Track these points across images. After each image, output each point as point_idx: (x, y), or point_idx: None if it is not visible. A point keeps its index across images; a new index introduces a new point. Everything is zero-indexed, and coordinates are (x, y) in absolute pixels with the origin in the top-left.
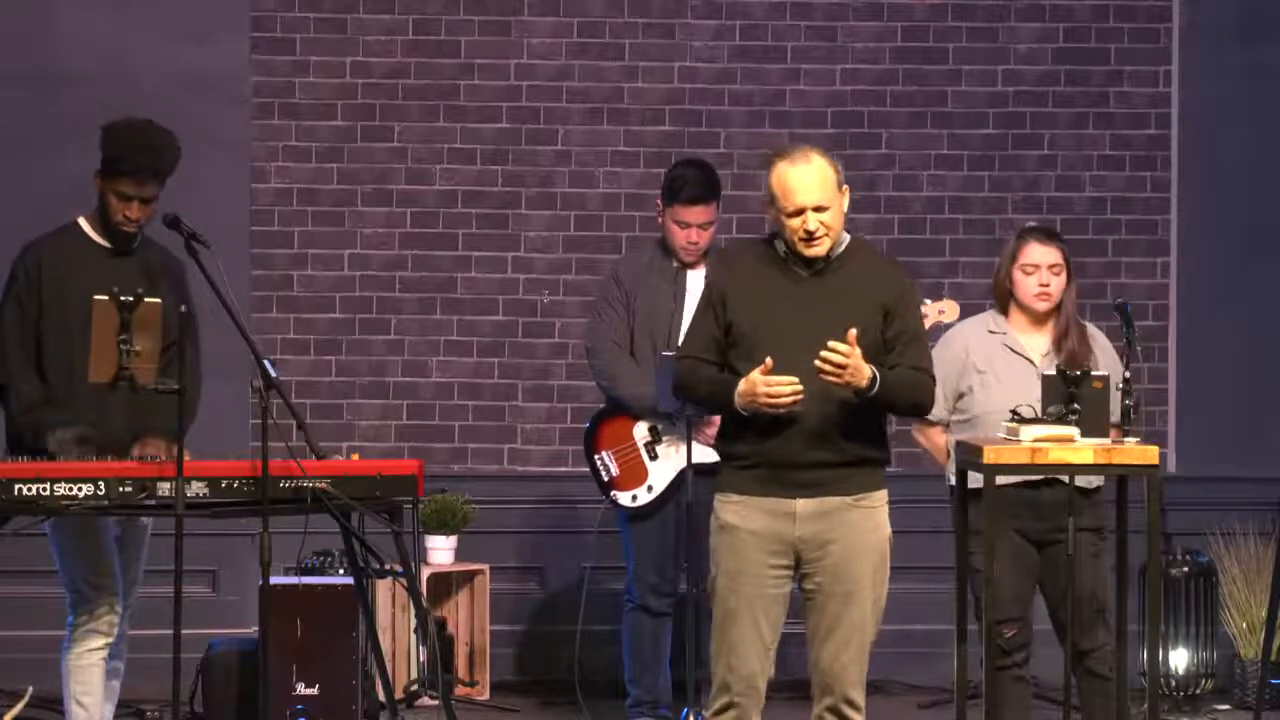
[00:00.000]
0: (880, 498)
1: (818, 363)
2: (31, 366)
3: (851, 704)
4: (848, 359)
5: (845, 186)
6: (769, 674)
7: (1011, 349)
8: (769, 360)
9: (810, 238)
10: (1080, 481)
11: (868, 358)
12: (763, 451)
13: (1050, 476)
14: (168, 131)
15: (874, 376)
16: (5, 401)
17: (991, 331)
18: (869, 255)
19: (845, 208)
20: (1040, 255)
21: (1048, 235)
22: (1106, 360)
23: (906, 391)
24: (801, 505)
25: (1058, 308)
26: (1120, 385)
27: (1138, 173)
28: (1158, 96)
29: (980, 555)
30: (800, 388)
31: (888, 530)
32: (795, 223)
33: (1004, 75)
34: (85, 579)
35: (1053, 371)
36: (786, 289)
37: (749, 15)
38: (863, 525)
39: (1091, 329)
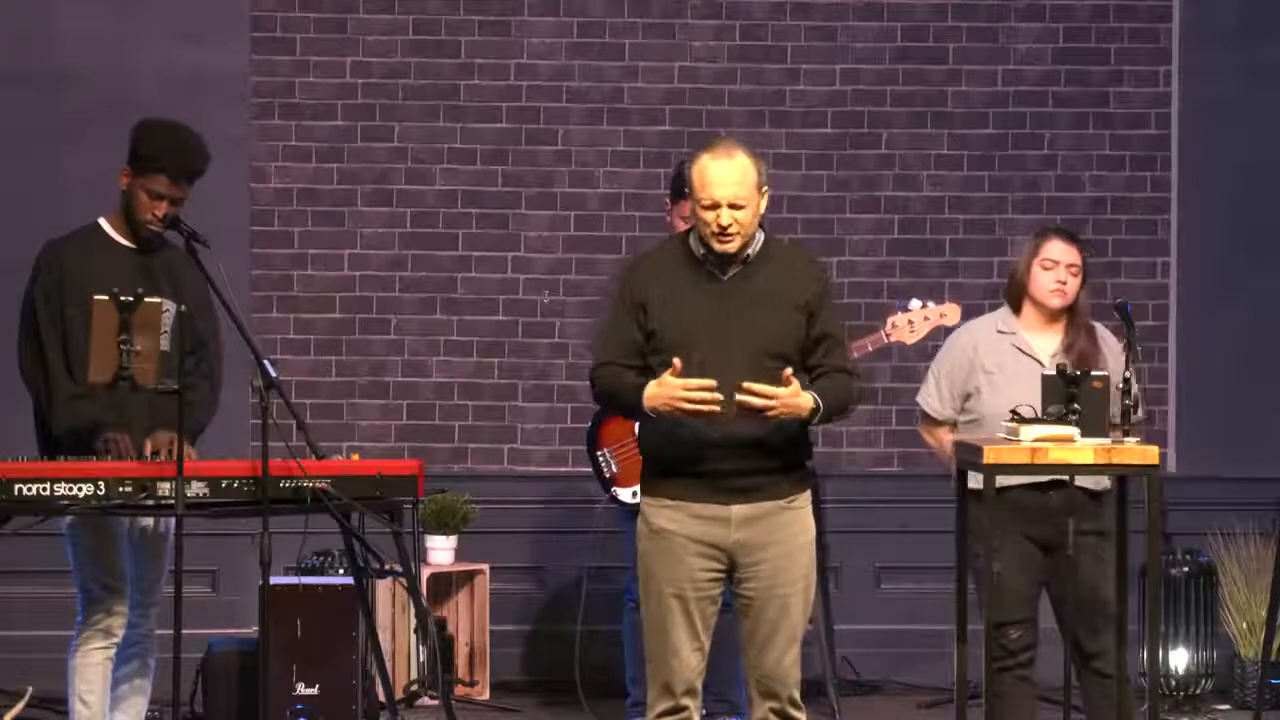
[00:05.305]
0: (806, 498)
1: (740, 397)
2: (64, 366)
3: (795, 704)
4: (775, 399)
5: (766, 189)
6: (703, 675)
7: (1021, 350)
8: (677, 362)
9: (722, 232)
10: (1089, 484)
11: (793, 358)
12: (696, 457)
13: (1055, 479)
14: (199, 134)
15: (815, 406)
16: (48, 399)
17: (1000, 331)
18: (786, 253)
19: (762, 209)
20: (1061, 253)
21: (1070, 236)
22: (1115, 362)
23: (838, 401)
24: (736, 510)
25: (1070, 310)
26: (1120, 385)
27: (1138, 173)
28: (1158, 96)
29: (983, 557)
30: (719, 395)
31: (813, 529)
32: (709, 215)
33: (1004, 75)
34: (96, 580)
35: (1053, 371)
36: (706, 290)
37: (749, 15)
38: (793, 528)
39: (1100, 330)
